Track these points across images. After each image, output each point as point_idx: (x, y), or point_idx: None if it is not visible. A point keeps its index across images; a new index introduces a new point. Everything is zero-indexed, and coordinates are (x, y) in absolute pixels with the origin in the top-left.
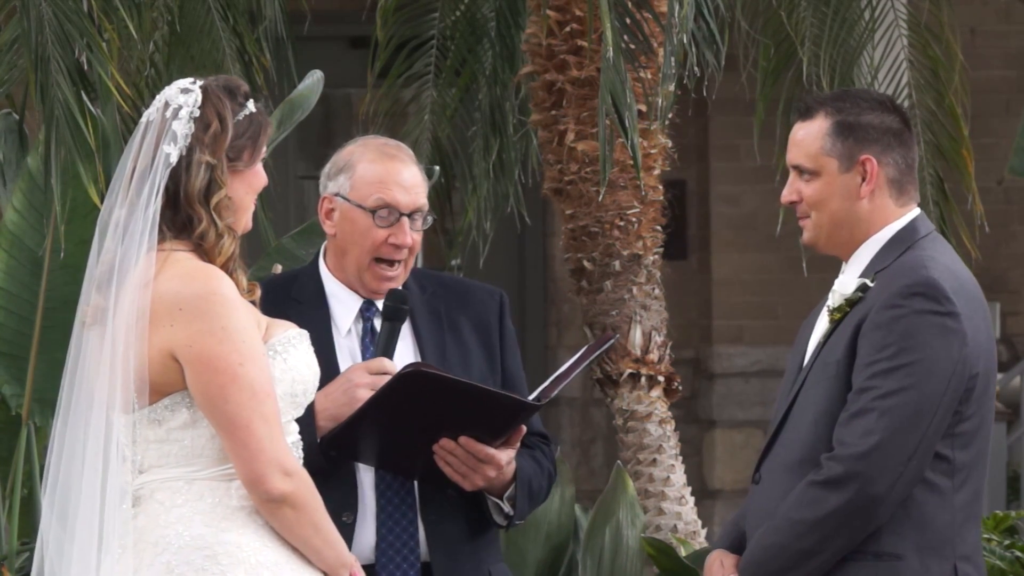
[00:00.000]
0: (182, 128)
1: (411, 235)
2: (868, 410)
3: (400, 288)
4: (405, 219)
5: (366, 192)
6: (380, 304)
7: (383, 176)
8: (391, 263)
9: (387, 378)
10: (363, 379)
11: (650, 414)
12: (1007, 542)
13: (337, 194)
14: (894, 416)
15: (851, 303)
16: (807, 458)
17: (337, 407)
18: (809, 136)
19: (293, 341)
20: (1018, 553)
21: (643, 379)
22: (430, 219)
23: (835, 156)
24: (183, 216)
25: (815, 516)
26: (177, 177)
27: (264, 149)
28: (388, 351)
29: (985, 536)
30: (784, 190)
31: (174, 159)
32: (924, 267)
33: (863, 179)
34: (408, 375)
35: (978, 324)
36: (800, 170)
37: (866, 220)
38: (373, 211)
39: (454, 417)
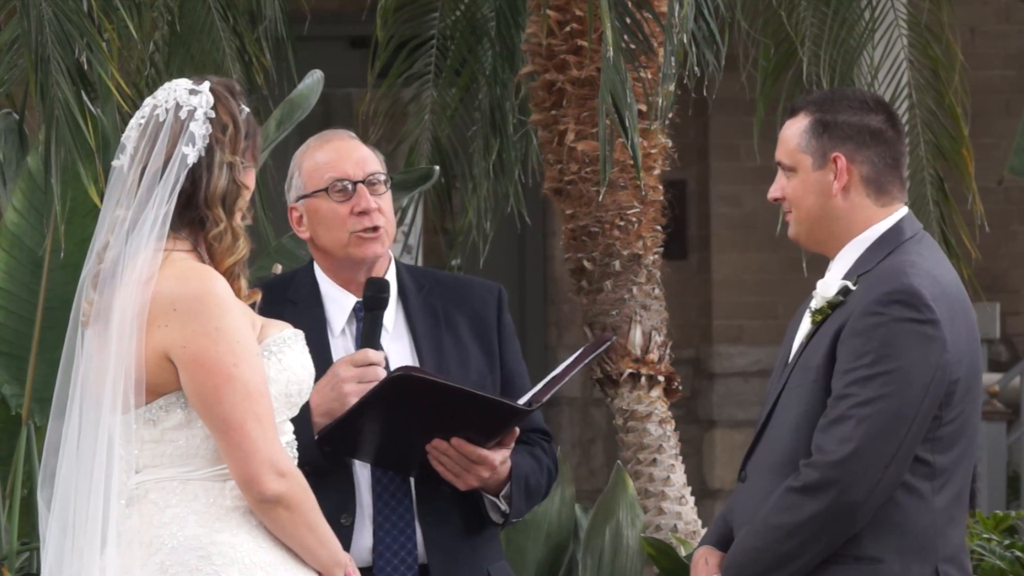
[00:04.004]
0: (200, 129)
1: (373, 200)
2: (846, 417)
3: (382, 278)
4: (361, 186)
5: (317, 177)
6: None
7: (326, 158)
8: (367, 229)
9: (373, 369)
10: (348, 372)
11: (650, 414)
12: (1007, 542)
13: (297, 199)
14: (872, 424)
15: (832, 306)
16: (788, 460)
17: (328, 403)
18: (789, 133)
19: (288, 341)
20: (1018, 553)
21: (643, 379)
22: (389, 180)
23: (809, 153)
24: (196, 216)
25: (793, 521)
26: (196, 178)
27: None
28: (372, 341)
29: (985, 536)
30: (771, 186)
31: (192, 160)
32: (905, 273)
33: (835, 176)
34: (397, 379)
35: (959, 330)
36: (782, 167)
37: (845, 218)
38: (327, 189)
39: (446, 419)
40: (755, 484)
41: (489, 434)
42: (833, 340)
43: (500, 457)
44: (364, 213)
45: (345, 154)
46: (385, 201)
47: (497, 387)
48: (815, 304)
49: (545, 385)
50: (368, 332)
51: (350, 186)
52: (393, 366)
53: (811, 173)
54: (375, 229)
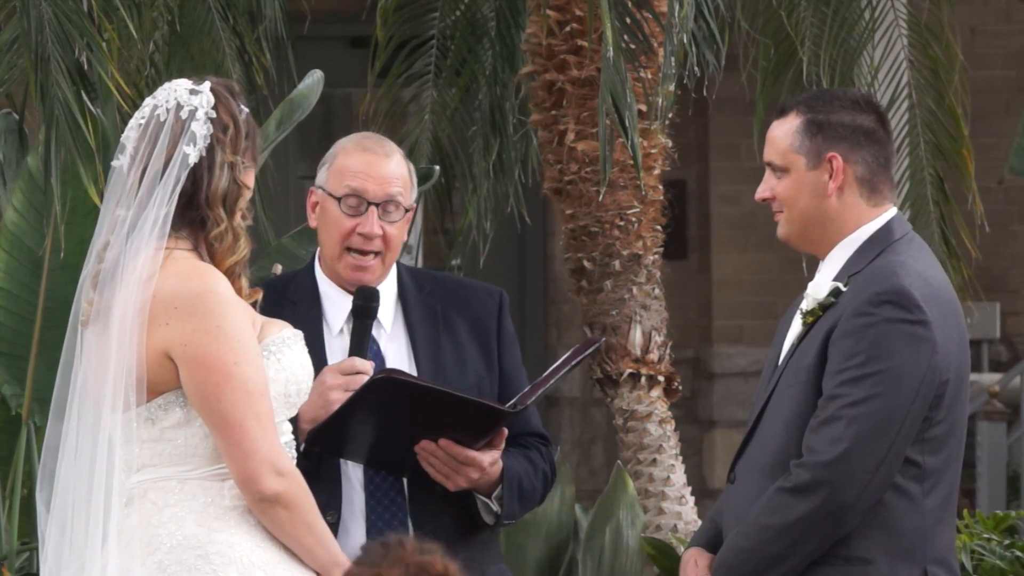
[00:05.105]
0: (201, 129)
1: (379, 225)
2: (837, 418)
3: (371, 286)
4: (373, 209)
5: (339, 181)
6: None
7: (356, 167)
8: (363, 252)
9: (361, 378)
10: (335, 380)
11: (650, 414)
12: (1007, 542)
13: (319, 186)
14: (862, 424)
15: (823, 307)
16: (779, 461)
17: (315, 410)
18: (780, 134)
19: (288, 341)
20: (1018, 553)
21: (643, 379)
22: (408, 212)
23: (803, 153)
24: (197, 216)
25: (783, 522)
26: (198, 178)
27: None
28: (360, 350)
29: (985, 536)
30: (759, 187)
31: (193, 160)
32: (895, 274)
33: (830, 176)
34: (379, 381)
35: (949, 330)
36: (772, 167)
37: (837, 219)
38: (341, 199)
39: (432, 420)
40: (745, 485)
41: (476, 435)
42: (824, 341)
43: (489, 459)
44: (365, 236)
45: (374, 170)
46: (395, 227)
47: (495, 390)
48: (806, 305)
49: (531, 387)
50: (356, 341)
51: (364, 205)
52: (389, 366)
53: (805, 173)
54: (374, 255)
